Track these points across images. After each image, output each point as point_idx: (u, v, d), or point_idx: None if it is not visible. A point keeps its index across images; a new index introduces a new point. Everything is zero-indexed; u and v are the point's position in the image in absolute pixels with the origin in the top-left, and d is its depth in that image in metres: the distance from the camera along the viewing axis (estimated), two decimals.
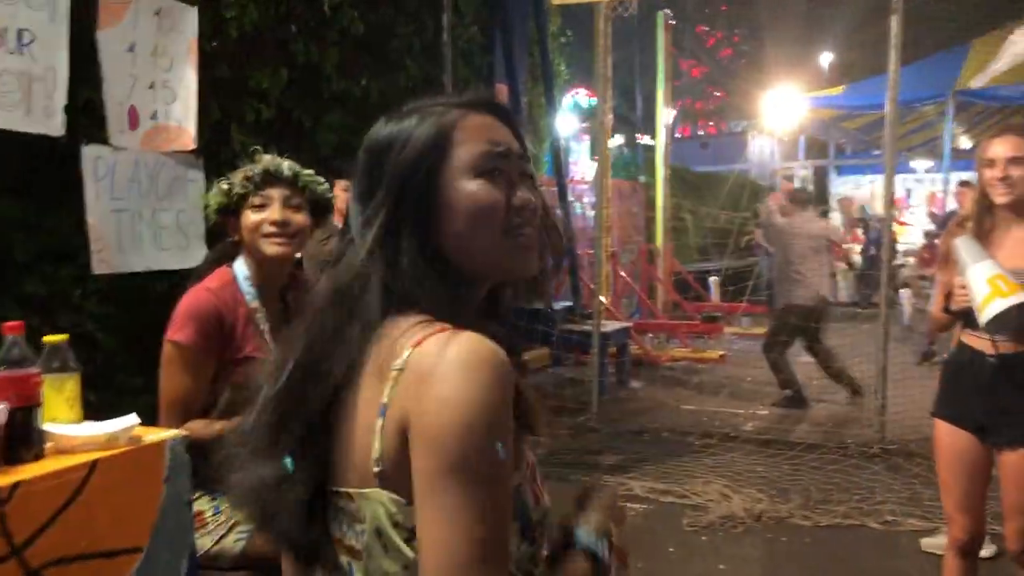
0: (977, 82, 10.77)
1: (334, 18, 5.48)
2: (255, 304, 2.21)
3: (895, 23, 5.40)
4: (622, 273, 9.91)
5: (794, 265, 6.83)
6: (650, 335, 9.97)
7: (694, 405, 7.05)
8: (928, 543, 4.05)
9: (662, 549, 4.17)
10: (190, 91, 4.31)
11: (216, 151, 4.50)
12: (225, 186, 2.23)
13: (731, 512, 4.57)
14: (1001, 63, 6.97)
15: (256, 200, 2.20)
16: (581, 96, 19.21)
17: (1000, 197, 2.65)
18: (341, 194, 4.68)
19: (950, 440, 2.79)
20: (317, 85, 5.50)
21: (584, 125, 17.52)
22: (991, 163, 2.68)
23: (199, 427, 2.08)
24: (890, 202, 5.72)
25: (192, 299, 2.13)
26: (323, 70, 5.47)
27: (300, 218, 2.25)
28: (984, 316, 2.48)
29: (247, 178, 2.21)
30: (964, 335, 2.80)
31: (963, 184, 9.26)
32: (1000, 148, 2.65)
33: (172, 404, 2.09)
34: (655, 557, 4.08)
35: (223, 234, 2.36)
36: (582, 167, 14.54)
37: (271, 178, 2.22)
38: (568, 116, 16.66)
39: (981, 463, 2.76)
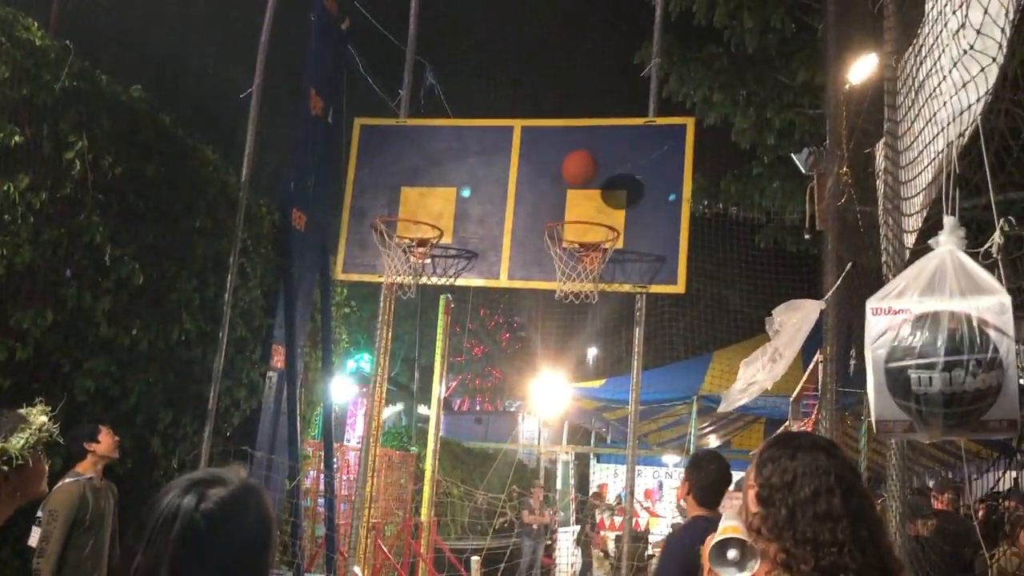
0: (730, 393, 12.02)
1: (113, 267, 5.52)
2: None
3: (638, 333, 6.14)
4: (382, 547, 9.71)
5: None
6: None
7: None
8: None
9: None
10: None
11: None
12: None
13: None
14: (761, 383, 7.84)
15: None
16: (365, 362, 19.54)
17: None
18: (107, 439, 4.62)
19: None
20: (83, 330, 5.40)
21: (364, 390, 17.70)
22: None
23: None
24: (631, 492, 6.15)
25: None
26: (93, 316, 5.41)
27: None
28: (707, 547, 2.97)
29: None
30: None
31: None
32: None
33: None
34: None
35: None
36: (359, 432, 14.53)
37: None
38: (346, 380, 16.83)
39: None
